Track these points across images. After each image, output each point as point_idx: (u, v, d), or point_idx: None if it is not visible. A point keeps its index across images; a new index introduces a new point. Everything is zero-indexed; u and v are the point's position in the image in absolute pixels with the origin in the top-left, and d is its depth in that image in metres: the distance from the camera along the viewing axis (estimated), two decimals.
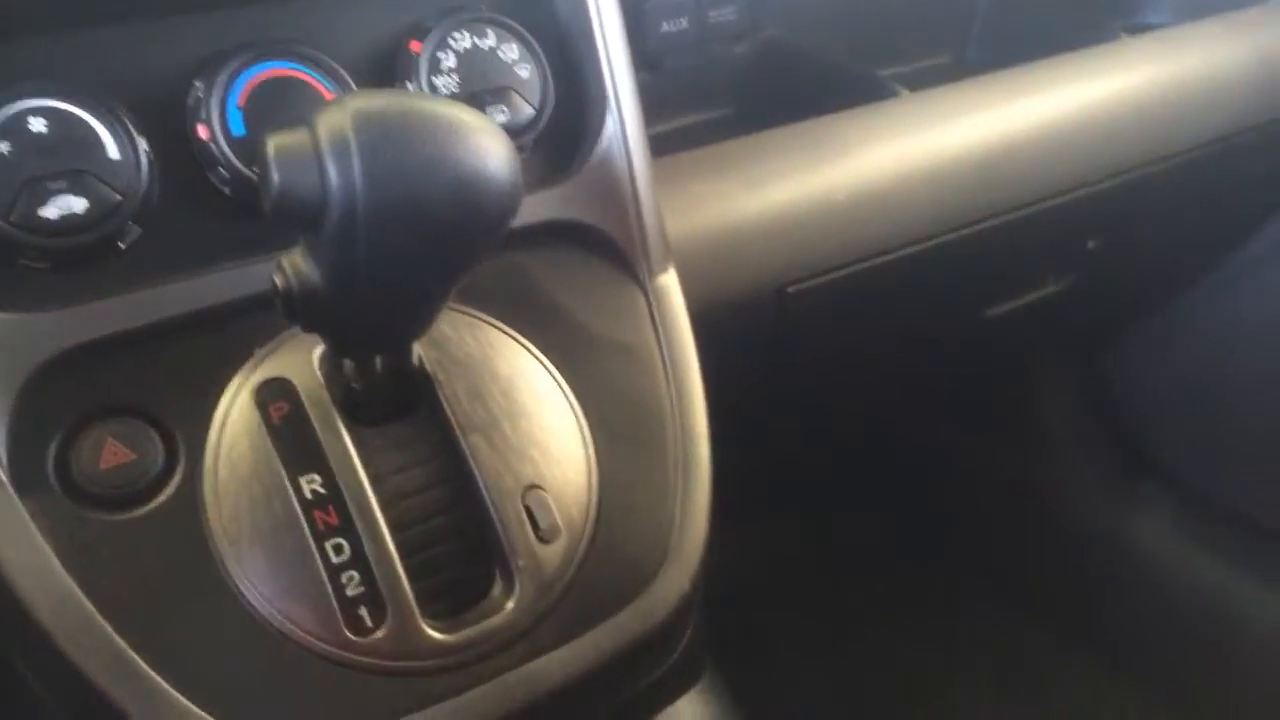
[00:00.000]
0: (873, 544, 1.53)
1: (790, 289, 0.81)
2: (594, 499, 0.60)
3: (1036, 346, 1.38)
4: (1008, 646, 1.51)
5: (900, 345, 1.04)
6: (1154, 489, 1.50)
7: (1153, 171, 1.02)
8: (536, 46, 0.64)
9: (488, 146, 0.45)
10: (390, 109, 0.44)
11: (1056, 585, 1.55)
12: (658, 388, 0.65)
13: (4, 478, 0.51)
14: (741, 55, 1.01)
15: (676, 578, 0.62)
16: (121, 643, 0.51)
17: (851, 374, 1.04)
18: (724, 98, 1.04)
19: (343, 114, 0.43)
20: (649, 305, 0.66)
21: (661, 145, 0.80)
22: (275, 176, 0.43)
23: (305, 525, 0.54)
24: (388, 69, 0.60)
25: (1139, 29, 1.16)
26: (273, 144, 0.43)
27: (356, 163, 0.42)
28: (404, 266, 0.46)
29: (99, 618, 0.51)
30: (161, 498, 0.53)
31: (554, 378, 0.62)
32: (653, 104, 0.73)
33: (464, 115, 0.45)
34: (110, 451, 0.52)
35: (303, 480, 0.54)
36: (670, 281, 0.67)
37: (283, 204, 0.43)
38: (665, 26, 0.90)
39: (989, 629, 1.53)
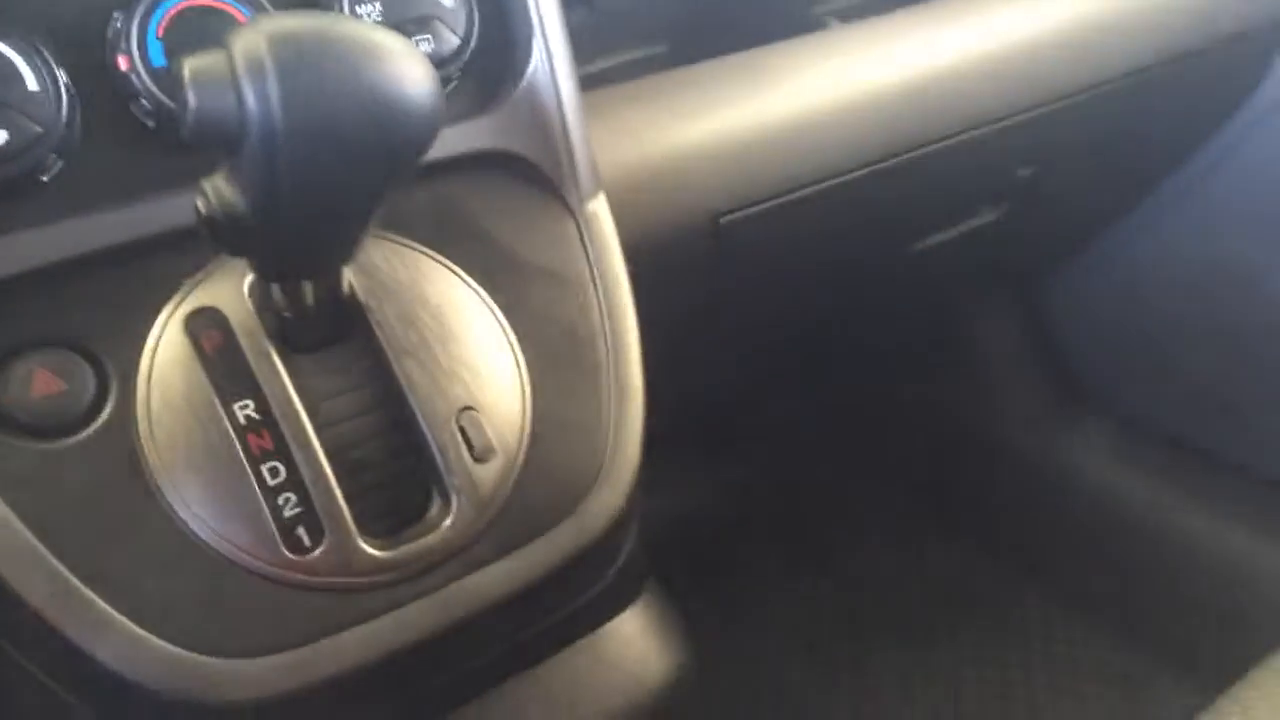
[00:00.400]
0: (813, 475, 1.56)
1: (724, 218, 0.83)
2: (528, 419, 0.62)
3: (972, 277, 1.41)
4: (948, 573, 1.55)
5: (836, 276, 1.06)
6: (1091, 416, 1.54)
7: (1084, 99, 1.04)
8: None
9: (405, 68, 0.45)
10: (306, 30, 0.44)
11: (996, 513, 1.59)
12: (590, 312, 0.66)
13: None
14: None
15: (610, 495, 0.64)
16: (60, 566, 0.52)
17: (788, 304, 1.06)
18: (658, 35, 1.04)
19: (258, 35, 0.43)
20: (580, 232, 0.67)
21: (595, 83, 0.81)
22: (192, 100, 0.43)
23: (240, 449, 0.55)
24: None
25: None
26: (188, 67, 0.43)
27: (273, 84, 0.42)
28: (324, 188, 0.47)
29: (36, 543, 0.52)
30: (94, 426, 0.54)
31: (485, 303, 0.63)
32: (586, 41, 0.74)
33: (381, 37, 0.45)
34: (41, 381, 0.53)
35: (236, 406, 0.55)
36: (600, 208, 0.68)
37: (201, 127, 0.44)
38: None
39: (929, 555, 1.57)
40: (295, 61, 0.43)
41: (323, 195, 0.48)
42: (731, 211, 0.83)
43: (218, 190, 0.48)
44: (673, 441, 0.69)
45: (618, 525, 0.64)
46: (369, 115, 0.45)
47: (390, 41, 0.46)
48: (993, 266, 1.35)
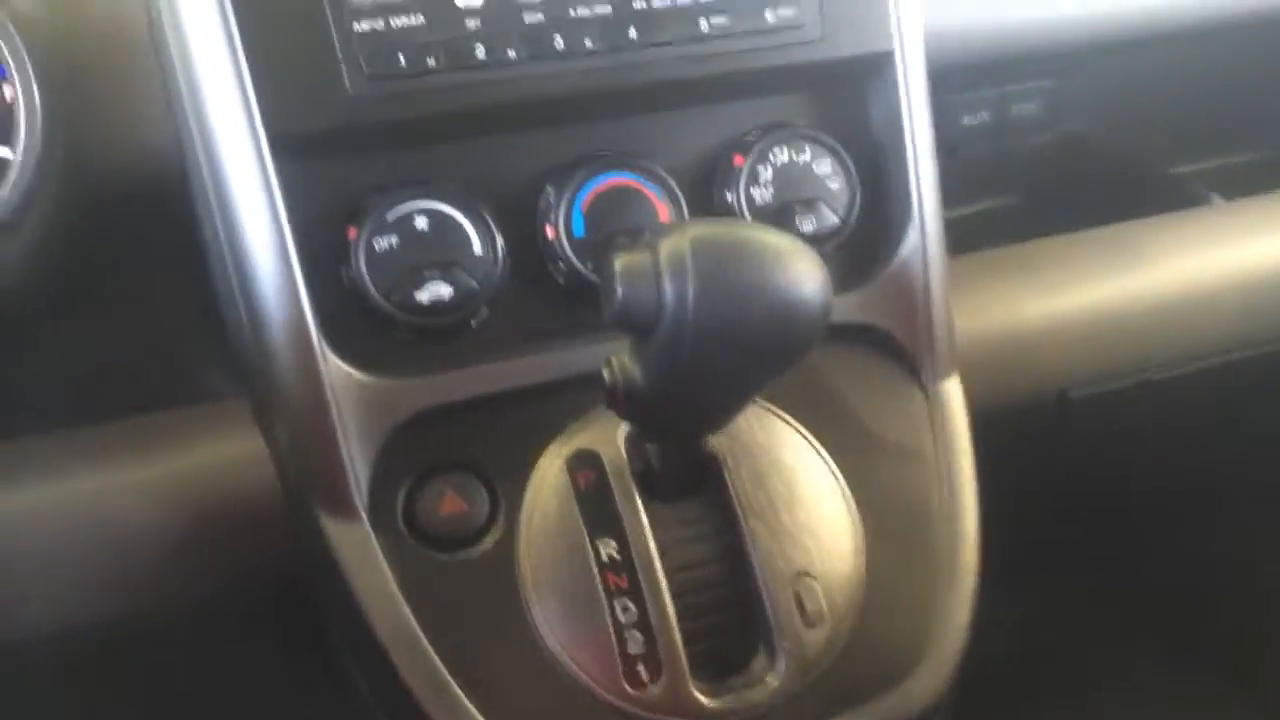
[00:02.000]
0: (1122, 646, 1.46)
1: (1072, 395, 0.81)
2: (859, 591, 0.64)
3: None
4: None
5: (1182, 458, 1.00)
6: None
7: None
8: (848, 161, 0.68)
9: (806, 275, 0.49)
10: (723, 238, 0.50)
11: None
12: (931, 491, 0.67)
13: (364, 515, 0.60)
14: (1036, 146, 1.01)
15: (931, 679, 0.64)
16: (440, 664, 0.60)
17: (1128, 481, 1.01)
18: (1014, 186, 1.04)
19: (682, 240, 0.49)
20: (930, 410, 0.69)
21: (949, 231, 0.82)
22: (619, 291, 0.49)
23: (600, 585, 0.60)
24: (711, 178, 0.67)
25: None
26: (620, 263, 0.49)
27: (691, 286, 0.48)
28: (718, 376, 0.52)
29: (424, 639, 0.60)
30: (484, 544, 0.61)
31: (832, 471, 0.66)
32: (943, 190, 0.75)
33: (787, 244, 0.50)
34: (448, 501, 0.61)
35: (600, 544, 0.61)
36: (953, 389, 0.70)
37: (622, 315, 0.50)
38: (966, 119, 0.91)
39: None
40: (711, 268, 0.48)
41: (716, 382, 0.53)
42: (1080, 388, 0.81)
43: (623, 366, 0.54)
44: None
45: (935, 709, 0.64)
46: (770, 319, 0.49)
47: (795, 248, 0.50)
48: None
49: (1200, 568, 1.37)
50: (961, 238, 0.85)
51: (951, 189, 0.97)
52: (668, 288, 0.48)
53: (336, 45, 0.57)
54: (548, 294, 0.65)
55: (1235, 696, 1.45)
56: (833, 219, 0.68)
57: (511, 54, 0.59)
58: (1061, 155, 1.01)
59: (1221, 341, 0.84)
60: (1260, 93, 1.03)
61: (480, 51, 0.58)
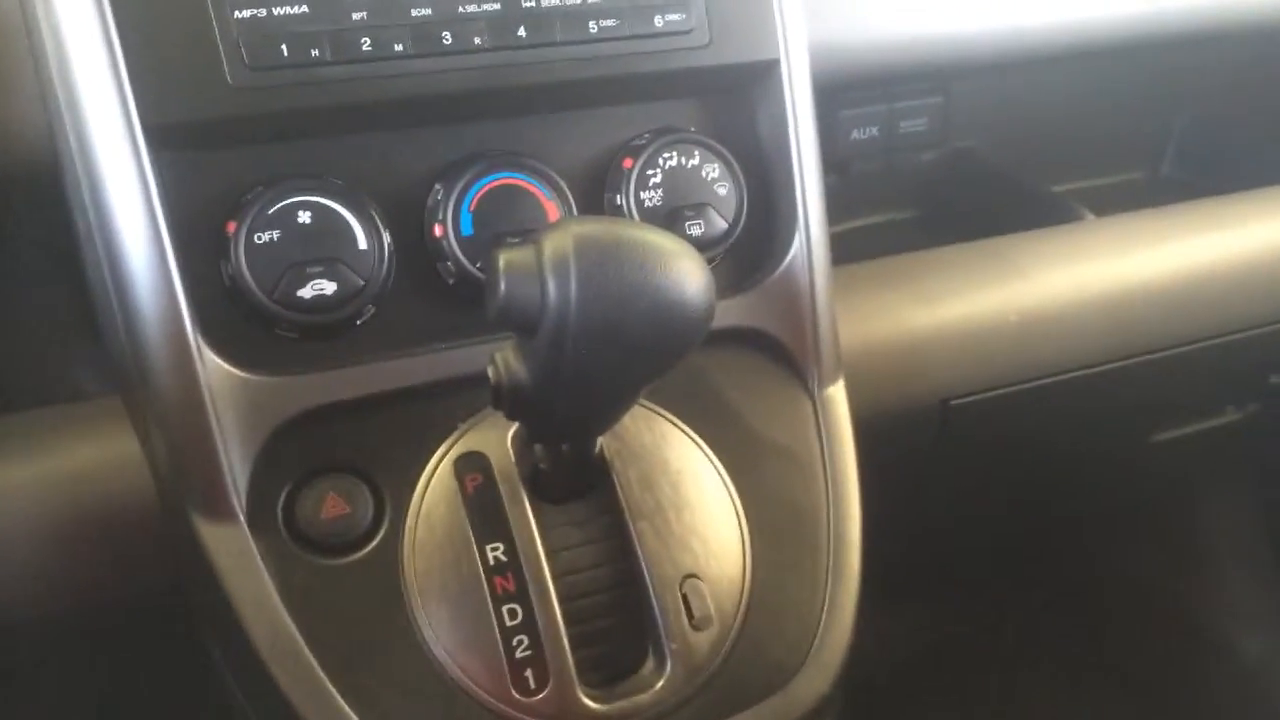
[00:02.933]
0: (1013, 648, 1.51)
1: (954, 402, 0.83)
2: (746, 593, 0.65)
3: (1209, 471, 1.35)
4: None
5: (1064, 462, 1.04)
6: None
7: None
8: (736, 167, 0.69)
9: (689, 276, 0.50)
10: (606, 237, 0.50)
11: (1206, 711, 1.48)
12: (816, 494, 0.68)
13: (242, 518, 0.59)
14: (928, 162, 1.04)
15: (816, 679, 0.65)
16: (320, 672, 0.58)
17: (1012, 486, 1.04)
18: (907, 201, 1.07)
19: (565, 238, 0.49)
20: (816, 414, 0.70)
21: (843, 244, 0.84)
22: (502, 287, 0.49)
23: (486, 589, 0.60)
24: (600, 181, 0.67)
25: None
26: (503, 259, 0.49)
27: (573, 284, 0.48)
28: (602, 374, 0.52)
29: (304, 647, 0.58)
30: (368, 549, 0.60)
31: (720, 474, 0.67)
32: (836, 203, 0.77)
33: (670, 244, 0.50)
34: (330, 504, 0.60)
35: (488, 548, 0.60)
36: (838, 393, 0.71)
37: (506, 312, 0.49)
38: (856, 134, 0.94)
39: None
40: (593, 267, 0.48)
41: (600, 380, 0.53)
42: (962, 396, 0.84)
43: (507, 363, 0.53)
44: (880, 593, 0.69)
45: (821, 710, 0.65)
46: (652, 318, 0.49)
47: (678, 248, 0.50)
48: (1233, 461, 1.28)
49: (1080, 569, 1.42)
50: (857, 249, 0.87)
51: (846, 201, 1.00)
52: (550, 285, 0.48)
53: (216, 33, 0.55)
54: (436, 293, 0.64)
55: (1121, 697, 1.50)
56: (721, 224, 0.68)
57: (398, 47, 0.58)
58: (953, 170, 1.04)
59: (1092, 351, 0.87)
60: (1133, 116, 1.08)
61: (366, 44, 0.57)
